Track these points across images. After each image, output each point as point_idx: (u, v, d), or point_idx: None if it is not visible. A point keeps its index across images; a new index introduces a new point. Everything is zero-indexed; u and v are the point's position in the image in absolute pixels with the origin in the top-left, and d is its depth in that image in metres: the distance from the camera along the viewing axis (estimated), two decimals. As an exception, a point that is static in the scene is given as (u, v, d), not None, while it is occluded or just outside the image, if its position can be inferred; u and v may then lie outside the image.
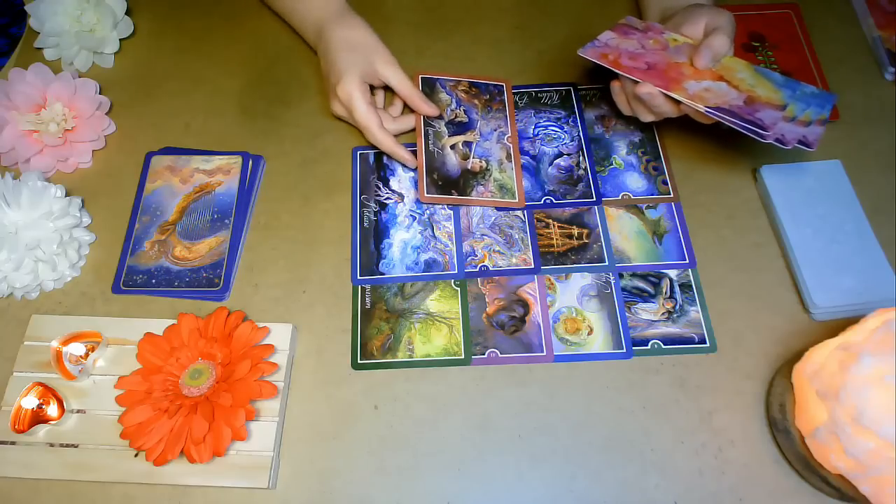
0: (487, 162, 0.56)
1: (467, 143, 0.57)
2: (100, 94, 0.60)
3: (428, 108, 0.56)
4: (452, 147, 0.57)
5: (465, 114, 0.59)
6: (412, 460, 0.46)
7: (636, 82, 0.49)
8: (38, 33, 0.62)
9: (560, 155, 0.58)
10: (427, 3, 0.68)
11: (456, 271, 0.52)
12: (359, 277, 0.52)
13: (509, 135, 0.58)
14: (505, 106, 0.60)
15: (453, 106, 0.59)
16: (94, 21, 0.62)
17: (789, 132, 0.46)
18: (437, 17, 0.67)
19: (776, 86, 0.50)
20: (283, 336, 0.49)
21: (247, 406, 0.43)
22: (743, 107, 0.47)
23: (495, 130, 0.58)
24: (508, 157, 0.57)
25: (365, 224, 0.55)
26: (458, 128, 0.58)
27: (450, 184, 0.55)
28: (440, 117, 0.58)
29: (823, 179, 0.54)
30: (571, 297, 0.51)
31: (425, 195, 0.54)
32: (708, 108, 0.47)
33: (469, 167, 0.56)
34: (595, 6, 0.67)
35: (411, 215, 0.55)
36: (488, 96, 0.60)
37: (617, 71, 0.50)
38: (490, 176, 0.56)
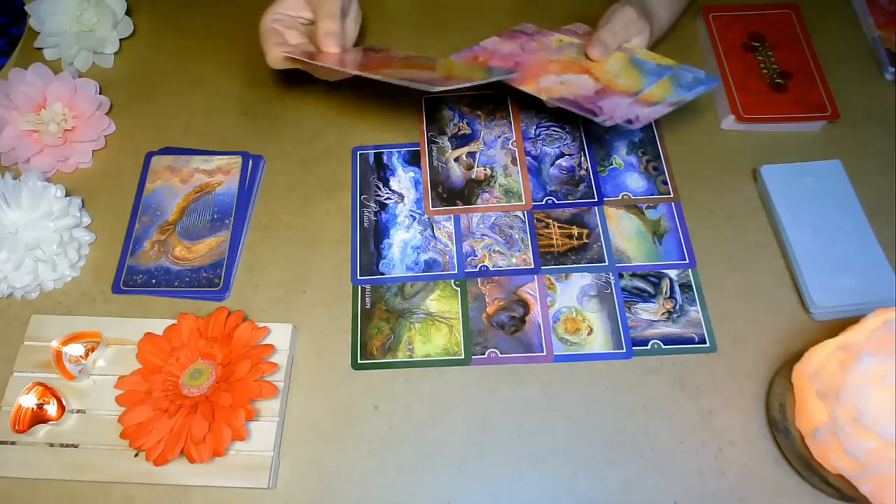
0: (492, 169, 0.57)
1: (471, 154, 0.57)
2: (100, 94, 0.60)
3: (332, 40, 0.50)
4: (456, 160, 0.57)
5: (468, 125, 0.59)
6: (412, 460, 0.46)
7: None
8: (38, 33, 0.62)
9: (562, 155, 0.58)
10: (427, 2, 0.68)
11: (456, 271, 0.52)
12: (359, 277, 0.53)
13: (514, 139, 0.58)
14: (509, 111, 0.60)
15: (456, 120, 0.59)
16: (94, 21, 0.62)
17: (622, 112, 0.47)
18: (437, 17, 0.67)
19: (644, 74, 0.50)
20: (283, 336, 0.49)
21: (247, 406, 0.43)
22: (590, 97, 0.49)
23: (499, 137, 0.58)
24: (513, 161, 0.57)
25: (365, 224, 0.55)
26: (461, 140, 0.58)
27: (454, 195, 0.55)
28: (443, 132, 0.58)
29: (823, 179, 0.54)
30: (571, 297, 0.51)
31: (430, 209, 0.55)
32: (550, 98, 0.49)
33: (473, 177, 0.56)
34: (595, 6, 0.67)
35: (411, 215, 0.55)
36: (491, 105, 0.60)
37: (311, 62, 0.48)
38: (495, 182, 0.56)
